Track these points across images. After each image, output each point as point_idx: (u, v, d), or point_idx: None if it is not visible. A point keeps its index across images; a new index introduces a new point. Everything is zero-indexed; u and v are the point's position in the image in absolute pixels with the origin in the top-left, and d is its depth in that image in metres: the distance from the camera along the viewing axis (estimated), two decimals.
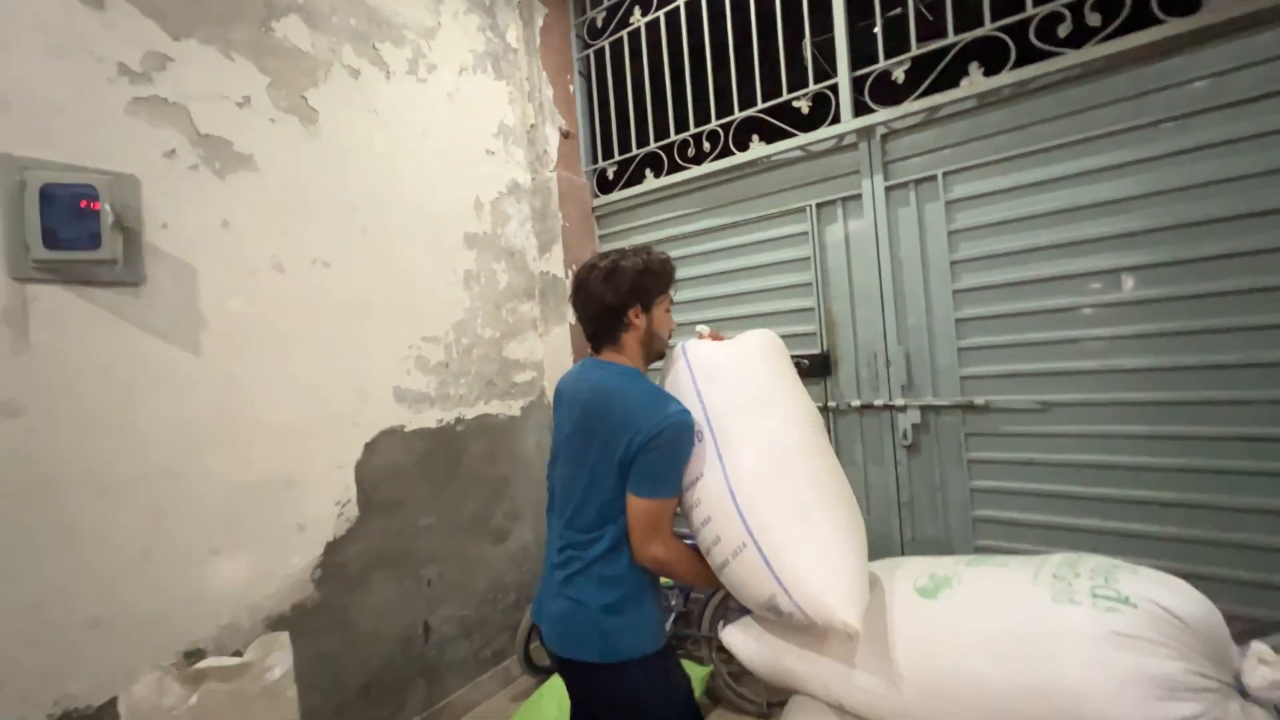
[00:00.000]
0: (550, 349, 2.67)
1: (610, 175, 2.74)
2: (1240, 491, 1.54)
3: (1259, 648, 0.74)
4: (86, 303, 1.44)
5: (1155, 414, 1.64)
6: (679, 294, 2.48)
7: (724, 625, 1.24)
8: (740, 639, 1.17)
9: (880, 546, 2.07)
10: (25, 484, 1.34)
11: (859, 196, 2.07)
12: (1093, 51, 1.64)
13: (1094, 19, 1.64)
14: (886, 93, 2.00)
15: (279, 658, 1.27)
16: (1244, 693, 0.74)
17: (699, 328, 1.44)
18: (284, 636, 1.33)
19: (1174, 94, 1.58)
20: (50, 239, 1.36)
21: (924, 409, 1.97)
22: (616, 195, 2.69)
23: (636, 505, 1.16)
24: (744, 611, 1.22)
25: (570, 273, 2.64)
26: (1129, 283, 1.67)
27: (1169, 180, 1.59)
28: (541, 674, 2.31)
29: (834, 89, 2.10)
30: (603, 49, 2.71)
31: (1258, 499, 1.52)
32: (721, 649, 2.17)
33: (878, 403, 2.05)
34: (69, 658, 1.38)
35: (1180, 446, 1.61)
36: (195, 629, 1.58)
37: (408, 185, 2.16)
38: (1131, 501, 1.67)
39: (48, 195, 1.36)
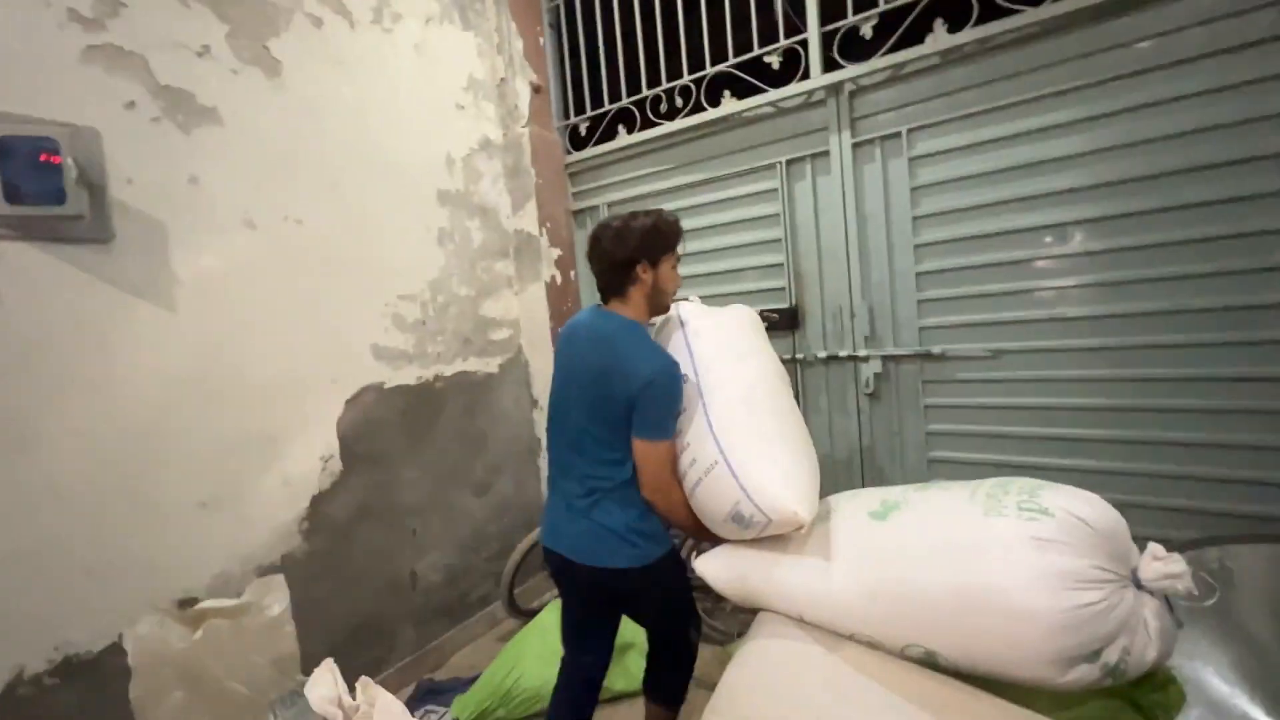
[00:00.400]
0: (526, 306, 2.70)
1: (583, 131, 2.73)
2: (1168, 428, 1.69)
3: (1154, 547, 0.86)
4: (55, 259, 1.42)
5: (1096, 358, 1.77)
6: None
7: (696, 554, 1.35)
8: (711, 565, 1.27)
9: (843, 488, 2.20)
10: (7, 440, 1.36)
11: (827, 153, 2.12)
12: (1051, 9, 1.69)
13: None
14: (855, 49, 2.03)
15: (276, 597, 1.34)
16: (1139, 585, 0.86)
17: (690, 299, 1.55)
18: (279, 579, 1.40)
19: (1122, 53, 1.65)
20: (11, 193, 1.33)
21: (885, 359, 2.08)
22: (589, 152, 2.68)
23: (639, 447, 1.33)
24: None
25: (545, 230, 2.65)
26: (1077, 236, 1.77)
27: (1115, 137, 1.68)
28: (525, 616, 2.43)
29: (804, 44, 2.12)
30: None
31: (1182, 433, 1.67)
32: (698, 586, 2.33)
33: (842, 354, 2.15)
34: (67, 605, 1.42)
35: (1116, 388, 1.75)
36: (188, 578, 1.63)
37: (378, 141, 2.14)
38: (1072, 439, 1.82)
39: (6, 148, 1.33)
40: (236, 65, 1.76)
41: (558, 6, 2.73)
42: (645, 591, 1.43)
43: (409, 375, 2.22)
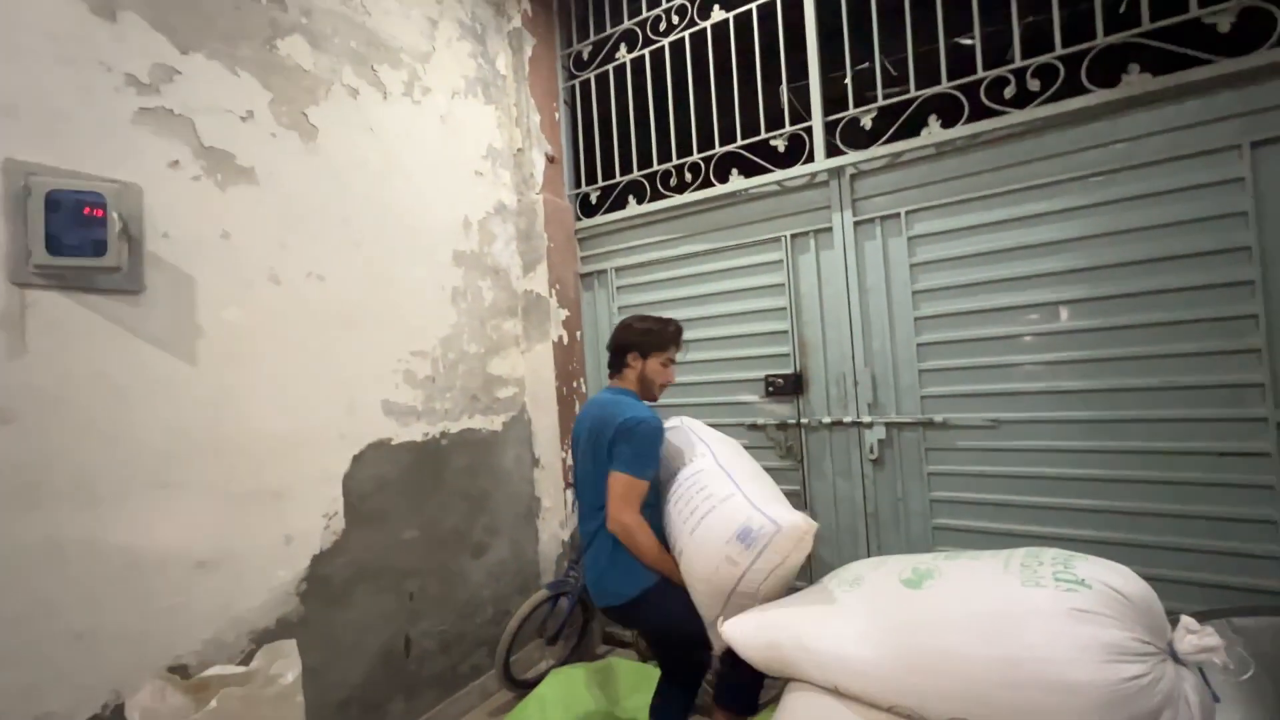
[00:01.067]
0: (532, 365, 2.73)
1: (593, 200, 2.85)
2: (1159, 499, 1.76)
3: (1188, 620, 0.89)
4: (85, 309, 1.43)
5: (1089, 430, 1.85)
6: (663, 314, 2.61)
7: (723, 620, 1.33)
8: (739, 631, 1.26)
9: (848, 554, 2.21)
10: (13, 492, 1.31)
11: (830, 229, 2.25)
12: (1033, 113, 1.88)
13: (1034, 84, 1.87)
14: (856, 136, 2.20)
15: (289, 664, 1.27)
16: (1175, 657, 0.88)
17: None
18: (291, 644, 1.34)
19: (1099, 153, 1.83)
20: (54, 245, 1.35)
21: (888, 425, 2.14)
22: (599, 219, 2.80)
23: (614, 477, 1.65)
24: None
25: (554, 292, 2.72)
26: (1064, 314, 1.89)
27: (1096, 226, 1.83)
28: (521, 688, 2.33)
29: (808, 131, 2.29)
30: (588, 80, 2.85)
31: (1172, 505, 1.74)
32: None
33: (846, 420, 2.21)
34: (50, 673, 1.34)
35: (1109, 459, 1.82)
36: (179, 643, 1.55)
37: (400, 203, 2.21)
38: (1070, 509, 1.87)
39: (53, 201, 1.35)
40: (276, 129, 1.83)
41: (574, 85, 2.91)
42: (642, 622, 1.73)
43: (416, 432, 2.21)
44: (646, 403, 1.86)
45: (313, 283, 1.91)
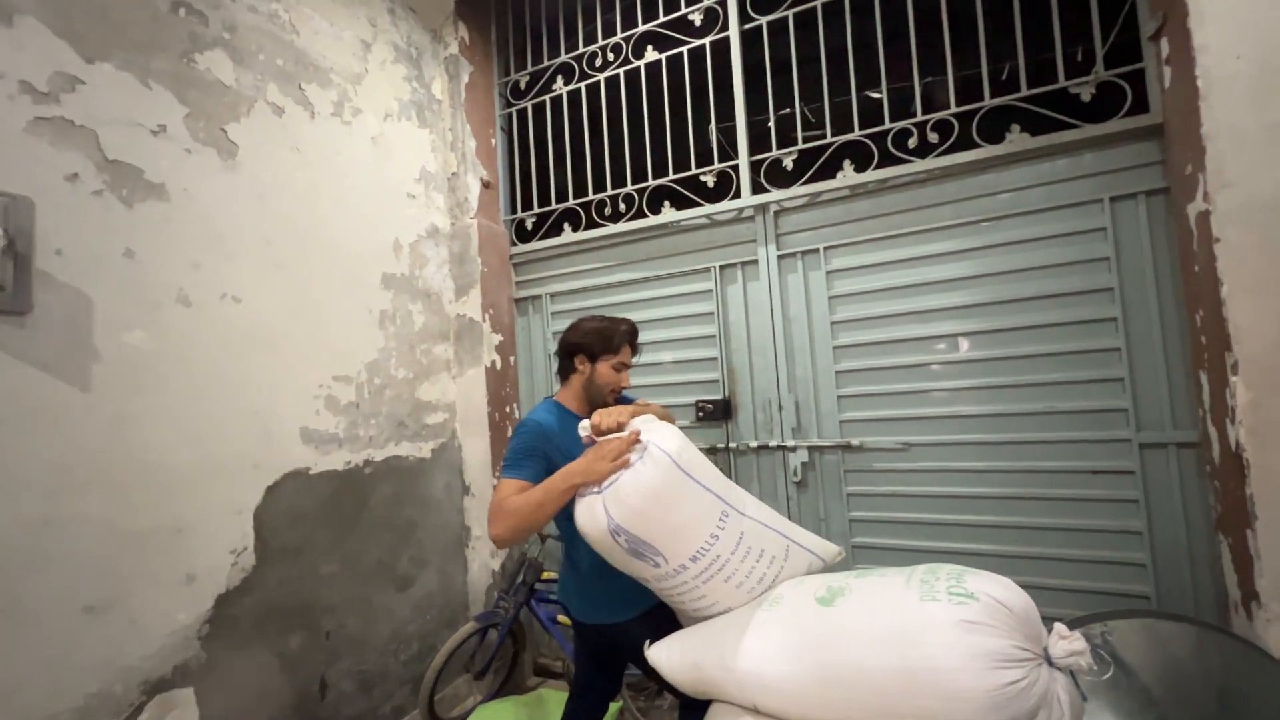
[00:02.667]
0: (463, 390, 2.69)
1: (529, 226, 2.88)
2: (1042, 514, 1.93)
3: (1059, 627, 0.99)
4: None
5: (987, 452, 2.01)
6: None
7: (649, 644, 1.35)
8: (664, 654, 1.28)
9: None
10: None
11: (756, 262, 2.37)
12: (933, 162, 2.07)
13: (933, 136, 2.07)
14: (779, 176, 2.34)
15: (180, 717, 1.18)
16: (1050, 661, 0.98)
17: (582, 424, 1.41)
18: (188, 693, 1.25)
19: (988, 200, 2.03)
20: None
21: (810, 449, 2.25)
22: (535, 245, 2.82)
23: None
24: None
25: (488, 316, 2.70)
26: (965, 344, 2.07)
27: (986, 266, 2.02)
28: None
29: (735, 168, 2.41)
30: (525, 109, 2.89)
31: (1053, 519, 1.92)
32: (630, 685, 2.26)
33: (772, 444, 2.31)
34: None
35: (1003, 478, 1.99)
36: (56, 701, 1.40)
37: (327, 224, 2.15)
38: (971, 525, 2.02)
39: None
40: (191, 145, 1.76)
41: (511, 114, 2.94)
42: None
43: (338, 460, 2.12)
44: (587, 413, 1.56)
45: (228, 304, 1.82)
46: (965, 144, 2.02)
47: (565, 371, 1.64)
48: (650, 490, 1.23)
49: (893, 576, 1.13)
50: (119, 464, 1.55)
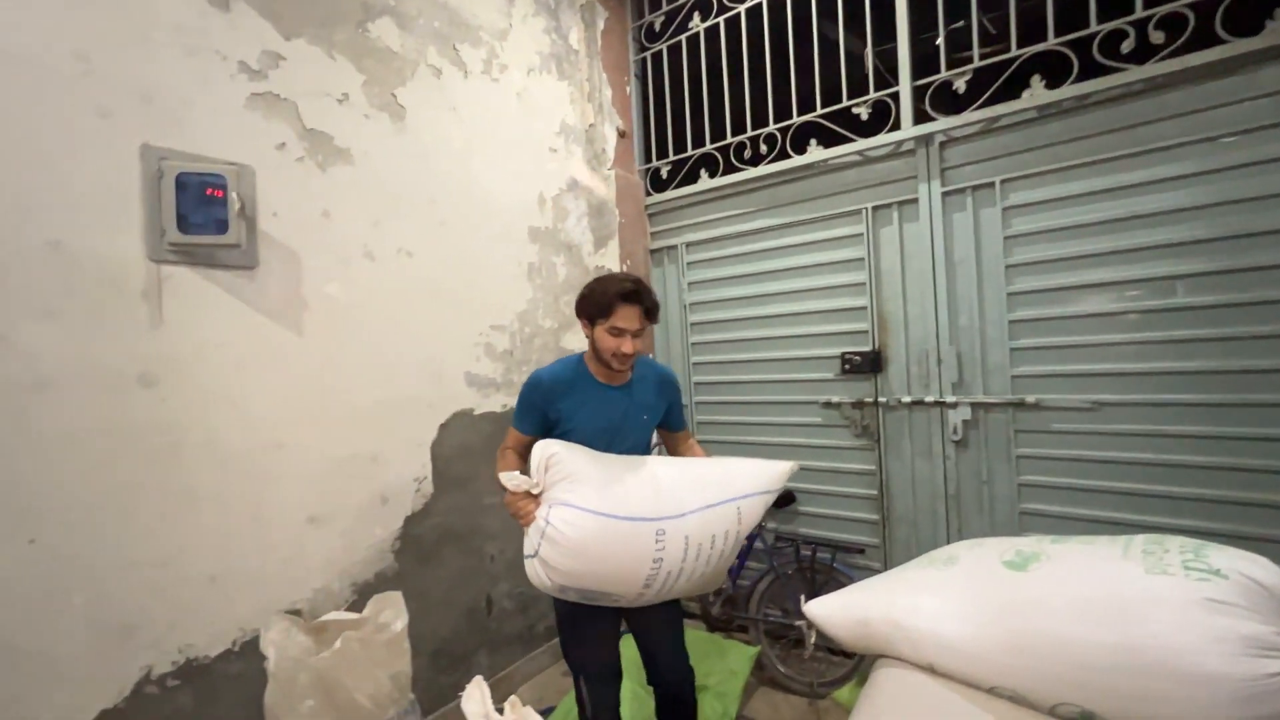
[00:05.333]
0: None
1: (664, 174, 2.83)
2: (1274, 490, 1.62)
3: None
4: (211, 284, 1.55)
5: (1202, 415, 1.72)
6: (732, 290, 2.58)
7: (805, 599, 1.34)
8: (826, 609, 1.26)
9: (926, 536, 2.16)
10: (157, 450, 1.46)
11: (915, 201, 2.15)
12: (1155, 68, 1.72)
13: (1157, 37, 1.71)
14: (947, 102, 2.08)
15: (397, 614, 1.38)
16: None
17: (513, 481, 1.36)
18: (397, 595, 1.44)
19: (1232, 110, 1.66)
20: (183, 224, 1.47)
21: (974, 406, 2.05)
22: (670, 194, 2.78)
23: None
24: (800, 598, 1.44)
25: (625, 267, 2.74)
26: (1179, 290, 1.75)
27: (1225, 193, 1.67)
28: None
29: (894, 96, 2.18)
30: (660, 52, 2.80)
31: None
32: (769, 630, 2.28)
33: (928, 399, 2.14)
34: (190, 610, 1.49)
35: (1224, 446, 1.69)
36: (295, 590, 1.69)
37: (480, 180, 2.27)
38: (1176, 498, 1.75)
39: (181, 183, 1.47)
40: (369, 111, 1.91)
41: (645, 58, 2.87)
42: None
43: (495, 403, 2.29)
44: (605, 374, 1.53)
45: (402, 259, 2.00)
46: (1203, 41, 1.65)
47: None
48: (573, 549, 1.26)
49: (1103, 546, 1.01)
50: (327, 399, 1.79)
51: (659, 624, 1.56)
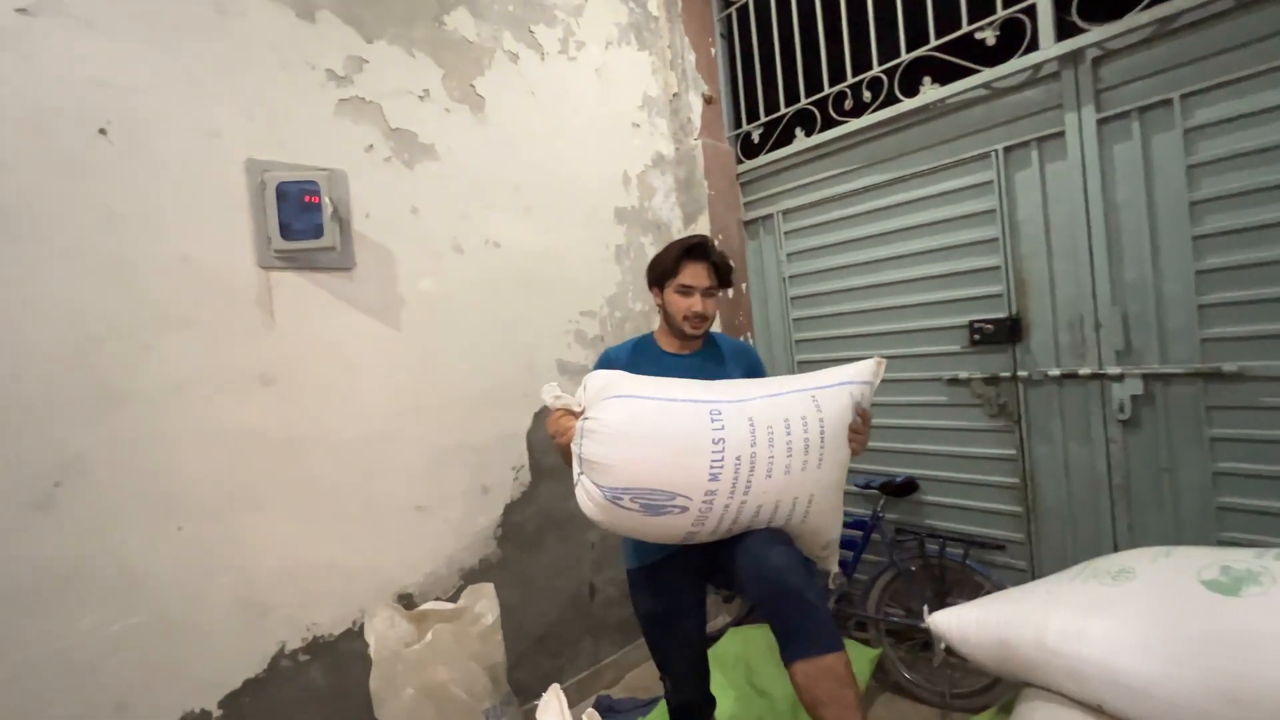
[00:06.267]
0: None
1: (756, 139, 2.63)
2: None
3: None
4: (314, 286, 1.63)
5: None
6: (837, 259, 2.35)
7: (929, 611, 1.15)
8: (955, 624, 1.07)
9: (1085, 535, 1.84)
10: (279, 442, 1.57)
11: (1060, 134, 1.80)
12: None
13: None
14: (1099, 8, 1.70)
15: (489, 606, 1.38)
16: None
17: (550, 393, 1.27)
18: (490, 587, 1.45)
19: None
20: (286, 231, 1.55)
21: (1148, 378, 1.69)
22: (763, 159, 2.58)
23: None
24: (928, 599, 1.20)
25: (717, 243, 2.58)
26: None
27: None
28: None
29: (1029, 11, 1.82)
30: (745, 5, 2.59)
31: None
32: (891, 632, 2.07)
33: (1084, 371, 1.80)
34: (316, 592, 1.61)
35: None
36: (405, 575, 1.77)
37: (563, 164, 2.22)
38: None
39: (281, 192, 1.54)
40: (449, 104, 1.92)
41: (730, 15, 2.67)
42: None
43: None
44: (677, 344, 1.53)
45: (490, 250, 2.01)
46: None
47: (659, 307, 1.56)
48: (615, 432, 1.07)
49: None
50: (428, 391, 1.84)
51: (748, 537, 1.21)
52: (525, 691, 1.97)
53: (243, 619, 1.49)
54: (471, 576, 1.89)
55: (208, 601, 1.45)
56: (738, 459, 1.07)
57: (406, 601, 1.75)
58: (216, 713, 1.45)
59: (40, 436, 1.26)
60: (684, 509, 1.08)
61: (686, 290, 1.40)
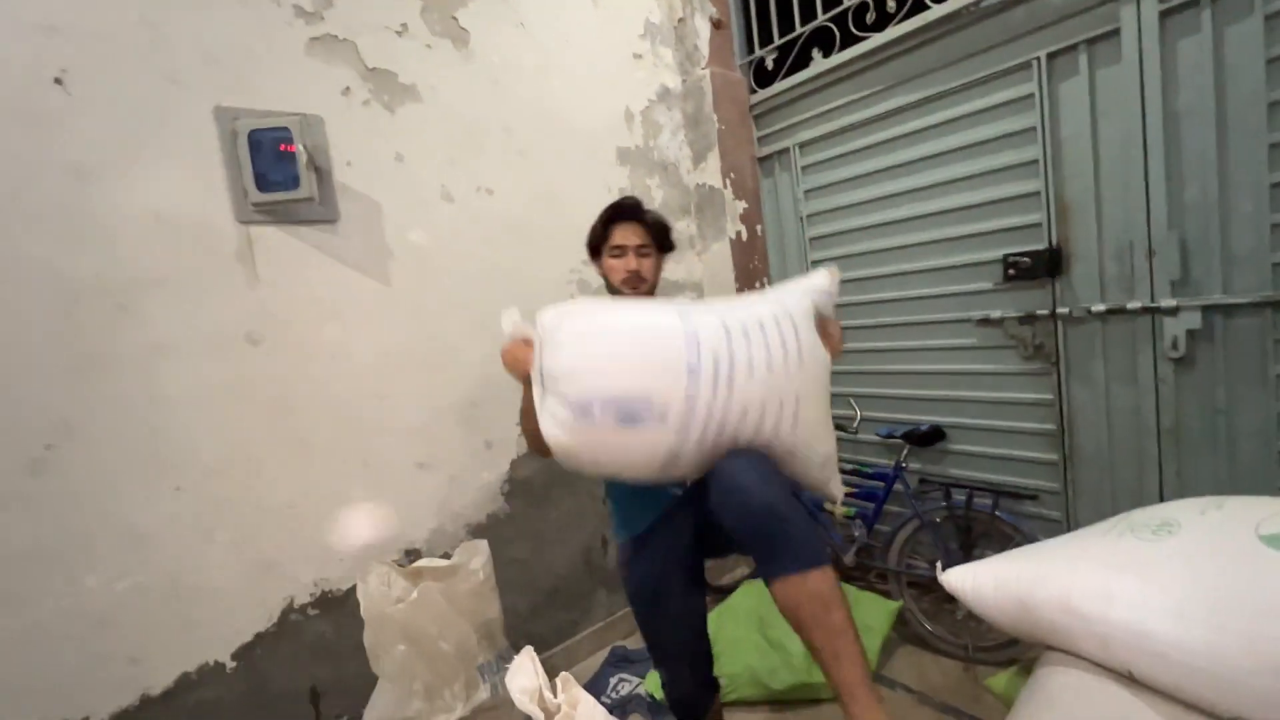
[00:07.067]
0: (709, 268, 2.51)
1: (769, 65, 2.42)
2: None
3: None
4: (297, 240, 1.57)
5: None
6: (858, 193, 2.18)
7: (942, 567, 1.06)
8: (970, 583, 0.98)
9: (1127, 485, 1.70)
10: (269, 402, 1.54)
11: (1114, 33, 1.57)
12: None
13: None
14: None
15: (481, 561, 1.36)
16: None
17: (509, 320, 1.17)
18: (483, 543, 1.42)
19: None
20: (262, 182, 1.48)
21: (1207, 309, 1.51)
22: (778, 87, 2.36)
23: None
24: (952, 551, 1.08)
25: (729, 182, 2.42)
26: None
27: None
28: (716, 593, 2.32)
29: None
30: None
31: None
32: (913, 585, 2.00)
33: (1132, 305, 1.62)
34: (320, 548, 1.61)
35: None
36: (410, 531, 1.77)
37: (559, 101, 2.08)
38: None
39: (254, 141, 1.47)
40: (430, 40, 1.79)
41: None
42: None
43: None
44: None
45: (482, 197, 1.91)
46: None
47: None
48: (577, 331, 0.98)
49: None
50: (422, 348, 1.79)
51: (720, 462, 1.05)
52: (541, 643, 1.98)
53: (249, 575, 1.51)
54: (479, 532, 1.88)
55: (212, 558, 1.46)
56: (715, 356, 0.97)
57: (413, 557, 1.75)
58: (230, 664, 1.48)
59: (24, 403, 1.25)
60: (663, 416, 0.95)
61: (619, 251, 1.36)
